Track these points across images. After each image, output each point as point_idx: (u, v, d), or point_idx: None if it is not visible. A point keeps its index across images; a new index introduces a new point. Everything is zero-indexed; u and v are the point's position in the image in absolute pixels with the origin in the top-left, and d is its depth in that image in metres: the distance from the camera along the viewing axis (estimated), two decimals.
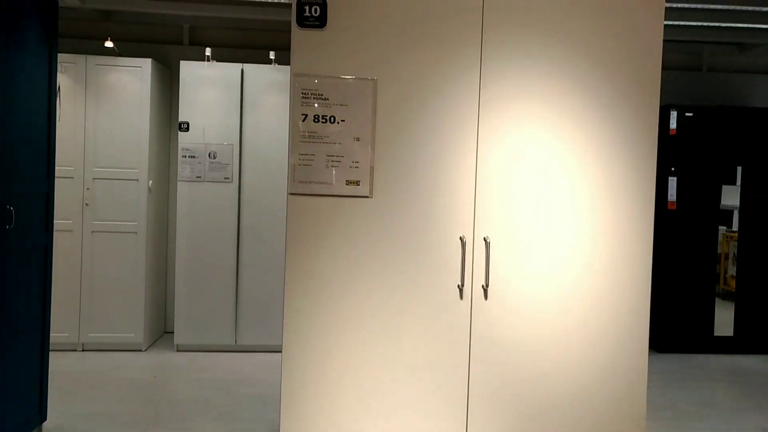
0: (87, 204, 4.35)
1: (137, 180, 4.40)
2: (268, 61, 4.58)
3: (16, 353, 2.63)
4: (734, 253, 5.01)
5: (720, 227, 4.94)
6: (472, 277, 2.13)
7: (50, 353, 2.90)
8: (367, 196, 2.08)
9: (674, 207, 4.83)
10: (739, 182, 4.94)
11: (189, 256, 4.46)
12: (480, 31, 2.10)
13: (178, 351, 4.49)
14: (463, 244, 2.12)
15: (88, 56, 4.36)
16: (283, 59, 4.59)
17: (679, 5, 4.09)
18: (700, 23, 4.43)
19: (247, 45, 5.04)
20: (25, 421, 2.73)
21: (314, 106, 2.03)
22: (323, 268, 2.09)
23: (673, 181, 4.84)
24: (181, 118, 4.44)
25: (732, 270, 5.02)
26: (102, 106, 4.37)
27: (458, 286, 2.12)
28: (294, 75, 2.04)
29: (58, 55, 2.99)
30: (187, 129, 4.44)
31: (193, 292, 4.46)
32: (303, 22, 2.01)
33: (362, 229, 2.09)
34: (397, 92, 2.08)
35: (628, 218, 2.18)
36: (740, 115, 4.90)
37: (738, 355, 4.88)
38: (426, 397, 2.13)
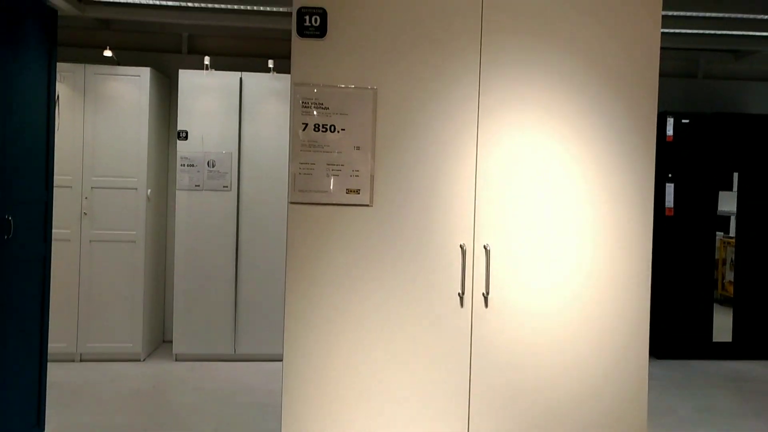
0: (85, 213, 4.34)
1: (136, 189, 4.39)
2: (267, 70, 4.59)
3: (14, 364, 2.62)
4: (732, 258, 5.02)
5: (717, 233, 4.96)
6: (472, 285, 2.13)
7: (48, 364, 2.89)
8: (367, 205, 2.09)
9: (672, 213, 4.85)
10: (735, 188, 4.96)
11: (188, 265, 4.45)
12: (479, 38, 2.12)
13: (176, 361, 4.47)
14: (464, 252, 2.12)
15: (87, 65, 4.37)
16: (282, 67, 4.61)
17: (676, 13, 4.12)
18: (696, 31, 4.46)
19: (245, 53, 5.06)
20: None
21: (314, 115, 2.04)
22: (324, 276, 2.09)
23: (670, 188, 4.86)
24: (179, 127, 4.44)
25: (730, 275, 5.03)
26: (101, 115, 4.37)
27: (459, 293, 2.12)
28: (294, 84, 2.05)
29: (57, 63, 2.99)
30: (186, 137, 4.44)
31: (191, 301, 4.45)
32: (303, 32, 2.02)
33: (363, 237, 2.09)
34: (397, 100, 2.09)
35: (628, 225, 2.19)
36: (736, 121, 4.93)
37: (737, 361, 4.89)
38: (427, 405, 2.12)
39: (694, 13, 4.11)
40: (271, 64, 4.59)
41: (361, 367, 2.10)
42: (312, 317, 2.09)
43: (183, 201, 4.44)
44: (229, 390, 3.91)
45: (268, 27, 4.50)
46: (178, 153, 4.44)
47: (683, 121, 4.87)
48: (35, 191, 2.79)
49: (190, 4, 4.13)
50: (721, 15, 4.12)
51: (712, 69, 5.48)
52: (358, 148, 2.05)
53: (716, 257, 4.97)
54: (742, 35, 4.67)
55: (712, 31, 4.47)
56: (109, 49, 4.61)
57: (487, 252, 2.12)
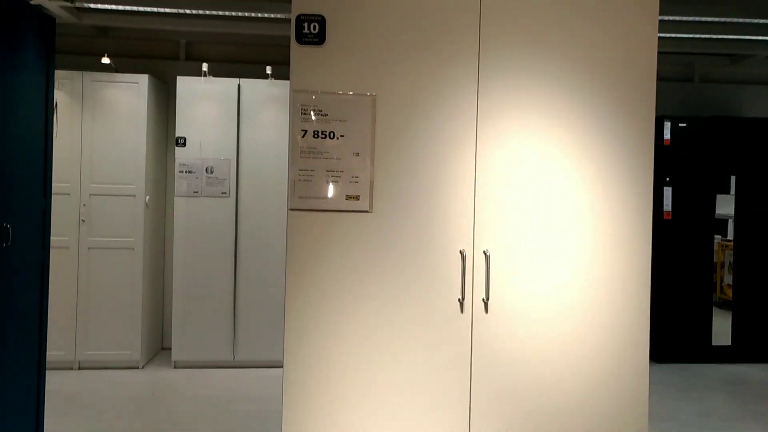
0: (83, 220, 4.34)
1: (134, 196, 4.39)
2: (265, 76, 4.60)
3: (12, 372, 2.61)
4: (730, 261, 5.03)
5: (715, 236, 4.97)
6: (472, 291, 2.13)
7: (46, 371, 2.87)
8: (367, 211, 2.09)
9: (670, 217, 4.86)
10: (733, 191, 4.98)
11: (186, 271, 4.44)
12: (477, 44, 2.12)
13: (175, 368, 4.45)
14: (463, 258, 2.12)
15: (84, 72, 4.37)
16: (280, 74, 4.62)
17: (672, 18, 4.14)
18: (692, 35, 4.49)
19: (243, 60, 5.07)
20: None
21: (314, 121, 2.04)
22: (324, 283, 2.09)
23: (668, 191, 4.87)
24: (178, 134, 4.44)
25: (728, 279, 5.04)
26: (99, 122, 4.37)
27: (459, 299, 2.12)
28: (293, 91, 2.05)
29: (55, 71, 2.99)
30: (184, 144, 4.44)
31: (190, 308, 4.44)
32: (302, 39, 2.03)
33: (363, 243, 2.09)
34: (395, 106, 2.10)
35: (628, 229, 2.19)
36: (733, 125, 4.96)
37: (736, 364, 4.89)
38: (428, 410, 2.12)
39: (690, 18, 4.13)
40: (269, 70, 4.60)
41: (361, 373, 2.10)
42: (312, 323, 2.09)
43: (181, 207, 4.44)
44: (228, 397, 3.89)
45: (266, 33, 4.51)
46: (176, 159, 4.44)
47: (680, 124, 4.89)
48: (33, 199, 2.79)
49: (187, 11, 4.14)
50: (716, 19, 4.15)
51: (707, 73, 5.51)
52: (357, 154, 2.06)
53: (715, 260, 4.98)
54: (737, 39, 4.70)
55: (708, 36, 4.50)
56: (107, 56, 4.62)
57: (487, 257, 2.12)
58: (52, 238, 4.16)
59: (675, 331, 4.88)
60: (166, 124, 4.92)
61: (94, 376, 4.24)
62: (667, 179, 4.87)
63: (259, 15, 4.15)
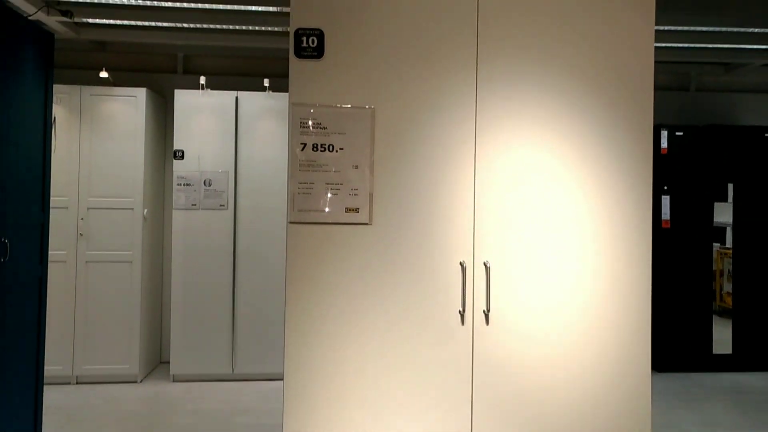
0: (81, 234, 4.32)
1: (132, 209, 4.38)
2: (263, 89, 4.61)
3: (10, 387, 2.59)
4: (729, 269, 5.03)
5: (714, 244, 4.97)
6: (473, 302, 2.12)
7: (44, 387, 2.85)
8: (366, 223, 2.09)
9: (668, 225, 4.87)
10: (730, 199, 4.99)
11: (185, 284, 4.43)
12: (475, 56, 2.13)
13: (174, 381, 4.42)
14: (464, 269, 2.12)
15: (83, 87, 4.38)
16: (277, 86, 4.63)
17: (667, 27, 4.17)
18: (687, 45, 4.52)
19: (241, 73, 5.08)
20: None
21: (313, 135, 2.04)
22: (324, 296, 2.08)
23: (666, 200, 4.88)
24: (176, 147, 4.44)
25: (727, 287, 5.04)
26: (97, 136, 4.37)
27: (459, 311, 2.12)
28: (292, 104, 2.06)
29: (54, 86, 2.99)
30: (182, 157, 4.44)
31: (189, 321, 4.42)
32: (301, 52, 2.03)
33: (362, 255, 2.09)
34: (394, 119, 2.10)
35: (628, 238, 2.19)
36: (729, 133, 4.98)
37: (737, 373, 4.87)
38: (430, 421, 2.10)
39: (685, 28, 4.16)
40: (266, 82, 4.61)
41: (362, 386, 2.09)
42: (313, 336, 2.08)
43: (180, 220, 4.43)
44: (228, 410, 3.86)
45: (263, 46, 4.52)
46: (174, 172, 4.43)
47: (677, 133, 4.91)
48: (32, 213, 2.78)
49: (185, 25, 4.16)
50: (711, 29, 4.18)
51: (703, 82, 5.55)
52: (356, 167, 2.06)
53: (714, 268, 4.98)
54: (732, 48, 4.73)
55: (703, 45, 4.53)
56: (105, 70, 4.63)
57: (487, 269, 2.12)
58: (50, 251, 4.15)
59: (675, 340, 4.87)
60: (164, 138, 4.93)
61: (93, 390, 4.20)
62: (665, 188, 4.88)
63: (256, 28, 4.17)
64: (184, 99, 4.45)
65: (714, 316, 4.94)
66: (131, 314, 4.36)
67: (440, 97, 2.11)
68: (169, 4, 3.79)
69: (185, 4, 3.79)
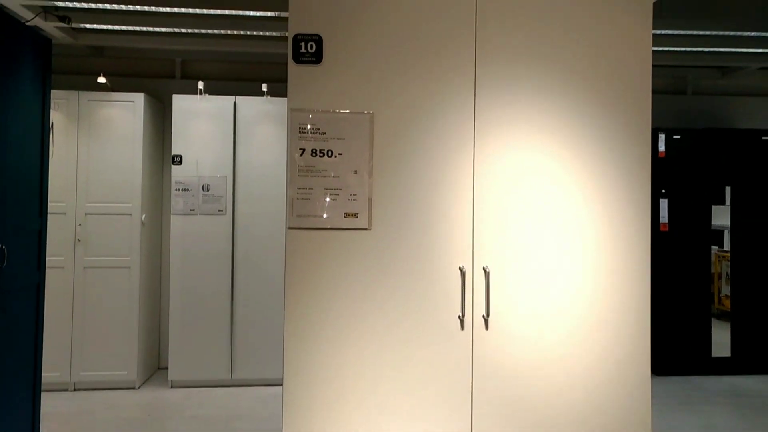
0: (79, 240, 4.31)
1: (130, 214, 4.37)
2: (261, 93, 4.61)
3: (8, 394, 2.57)
4: (727, 272, 5.03)
5: (712, 247, 4.98)
6: (472, 308, 2.12)
7: (42, 393, 2.83)
8: (365, 229, 2.08)
9: (666, 228, 4.87)
10: (728, 202, 5.00)
11: (183, 290, 4.41)
12: (473, 59, 2.14)
13: (172, 387, 4.40)
14: (463, 274, 2.11)
15: (80, 92, 4.37)
16: (276, 91, 4.63)
17: (664, 31, 4.18)
18: (684, 48, 4.53)
19: (239, 77, 5.08)
20: None
21: (311, 140, 2.04)
22: (323, 300, 2.08)
23: (664, 203, 4.89)
24: (174, 152, 4.44)
25: (726, 290, 5.04)
26: (95, 142, 4.36)
27: (459, 316, 2.11)
28: (291, 110, 2.06)
29: (51, 91, 2.99)
30: (180, 162, 4.44)
31: (187, 326, 4.41)
32: (299, 58, 2.03)
33: (362, 261, 2.09)
34: (393, 124, 2.10)
35: (627, 241, 2.19)
36: (726, 136, 4.99)
37: (736, 376, 4.87)
38: (429, 428, 2.09)
39: (683, 32, 4.17)
40: (264, 87, 4.61)
41: (362, 391, 2.08)
42: (312, 341, 2.07)
43: (178, 225, 4.42)
44: (227, 416, 3.85)
45: (261, 51, 4.53)
46: (172, 177, 4.43)
47: (674, 137, 4.92)
48: (29, 220, 2.77)
49: (183, 30, 4.16)
50: (707, 33, 4.19)
51: (700, 85, 5.56)
52: (355, 172, 2.06)
53: (712, 271, 4.98)
54: (728, 52, 4.75)
55: (699, 49, 4.55)
56: (103, 75, 4.63)
57: (487, 274, 2.12)
58: (47, 257, 4.13)
59: (674, 343, 4.86)
60: (162, 143, 4.92)
61: (90, 397, 4.18)
62: (663, 191, 4.89)
63: (254, 33, 4.17)
64: (182, 104, 4.44)
65: (713, 319, 4.94)
66: (129, 320, 4.34)
67: (439, 102, 2.12)
68: (167, 9, 3.79)
69: (183, 10, 3.79)
